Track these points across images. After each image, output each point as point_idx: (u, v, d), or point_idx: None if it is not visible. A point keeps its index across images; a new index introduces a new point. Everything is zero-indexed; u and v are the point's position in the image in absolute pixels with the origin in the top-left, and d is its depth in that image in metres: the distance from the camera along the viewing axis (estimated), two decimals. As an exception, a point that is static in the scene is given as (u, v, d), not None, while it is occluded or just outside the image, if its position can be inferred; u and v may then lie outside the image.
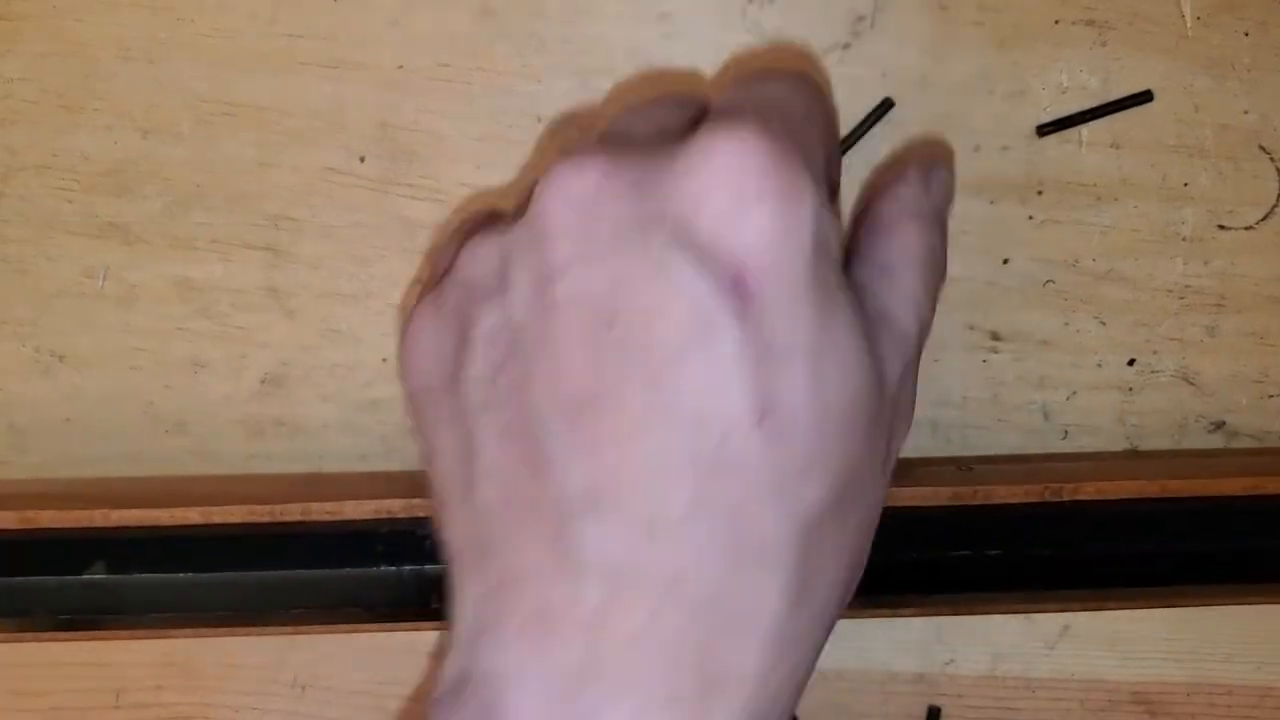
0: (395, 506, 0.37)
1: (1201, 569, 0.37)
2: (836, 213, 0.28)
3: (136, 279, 0.42)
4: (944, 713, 0.42)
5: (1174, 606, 0.39)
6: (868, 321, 0.28)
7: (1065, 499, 0.37)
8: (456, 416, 0.28)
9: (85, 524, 0.37)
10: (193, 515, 0.37)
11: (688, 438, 0.24)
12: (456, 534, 0.28)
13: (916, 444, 0.41)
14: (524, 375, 0.26)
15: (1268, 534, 0.37)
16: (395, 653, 0.42)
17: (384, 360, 0.42)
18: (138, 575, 0.37)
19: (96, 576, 0.37)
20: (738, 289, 0.25)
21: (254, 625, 0.38)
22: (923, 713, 0.42)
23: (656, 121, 0.31)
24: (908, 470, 0.36)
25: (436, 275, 0.31)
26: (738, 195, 0.25)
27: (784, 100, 0.29)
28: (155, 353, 0.42)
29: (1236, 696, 0.41)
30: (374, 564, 0.37)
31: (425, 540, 0.36)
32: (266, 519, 0.37)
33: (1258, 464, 0.40)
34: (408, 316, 0.31)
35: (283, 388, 0.42)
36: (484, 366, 0.27)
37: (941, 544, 0.37)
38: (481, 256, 0.28)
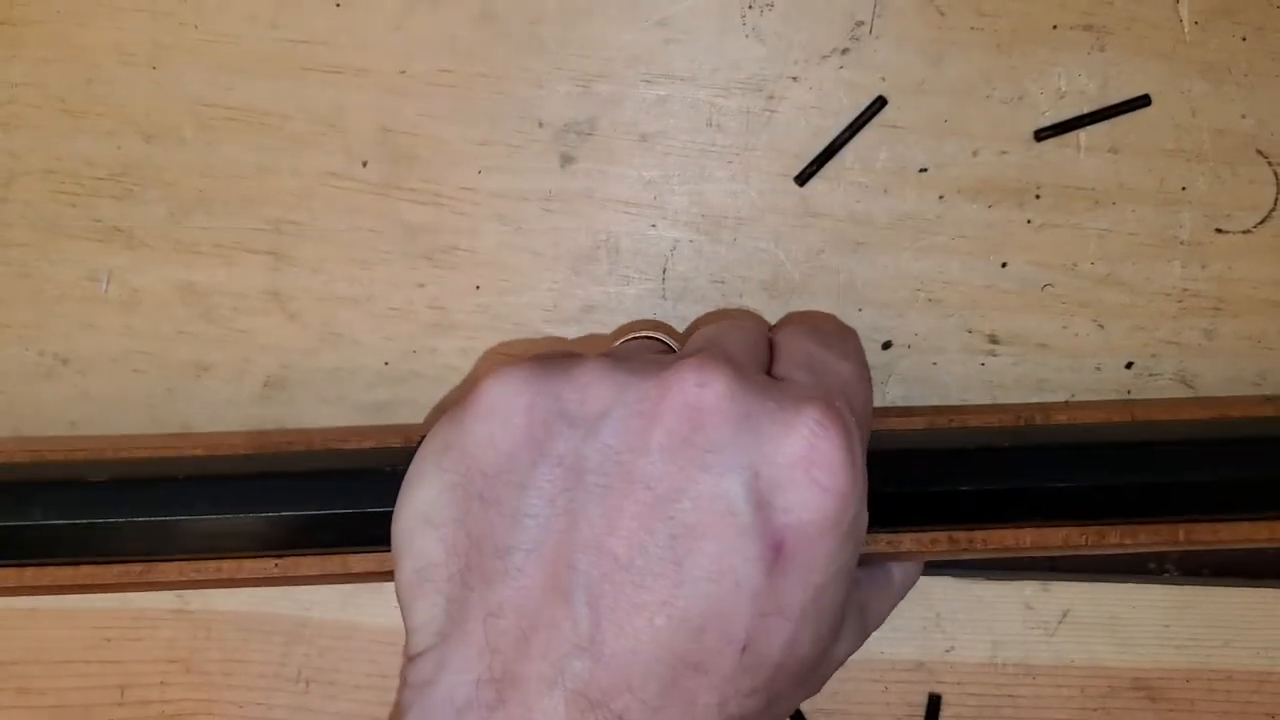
0: (394, 439, 0.37)
1: (1178, 498, 0.37)
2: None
3: (139, 283, 0.42)
4: (944, 700, 0.42)
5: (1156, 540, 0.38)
6: (850, 600, 0.33)
7: (1038, 423, 0.37)
8: (501, 501, 0.31)
9: (94, 457, 0.38)
10: (197, 450, 0.38)
11: (684, 639, 0.29)
12: (457, 589, 0.31)
13: (915, 446, 0.42)
14: (578, 512, 0.30)
15: (1232, 463, 0.37)
16: (398, 646, 0.42)
17: (385, 363, 0.42)
18: (139, 482, 0.37)
19: (100, 479, 0.36)
20: (775, 550, 0.29)
21: (252, 551, 0.37)
22: (923, 700, 0.42)
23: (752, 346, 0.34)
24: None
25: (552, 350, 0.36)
26: (811, 479, 0.29)
27: (855, 386, 0.33)
28: (158, 356, 0.42)
29: (1236, 682, 0.41)
30: (374, 465, 0.36)
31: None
32: (270, 449, 0.38)
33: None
34: (500, 373, 0.32)
35: (285, 390, 0.42)
36: (548, 482, 0.30)
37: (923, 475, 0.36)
38: (594, 389, 0.31)
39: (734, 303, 0.41)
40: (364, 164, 0.41)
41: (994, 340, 0.41)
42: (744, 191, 0.41)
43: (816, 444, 0.30)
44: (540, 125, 0.41)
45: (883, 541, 0.35)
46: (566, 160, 0.41)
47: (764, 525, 0.29)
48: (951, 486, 0.36)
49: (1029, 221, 0.41)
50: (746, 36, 0.41)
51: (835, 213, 0.41)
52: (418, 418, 0.42)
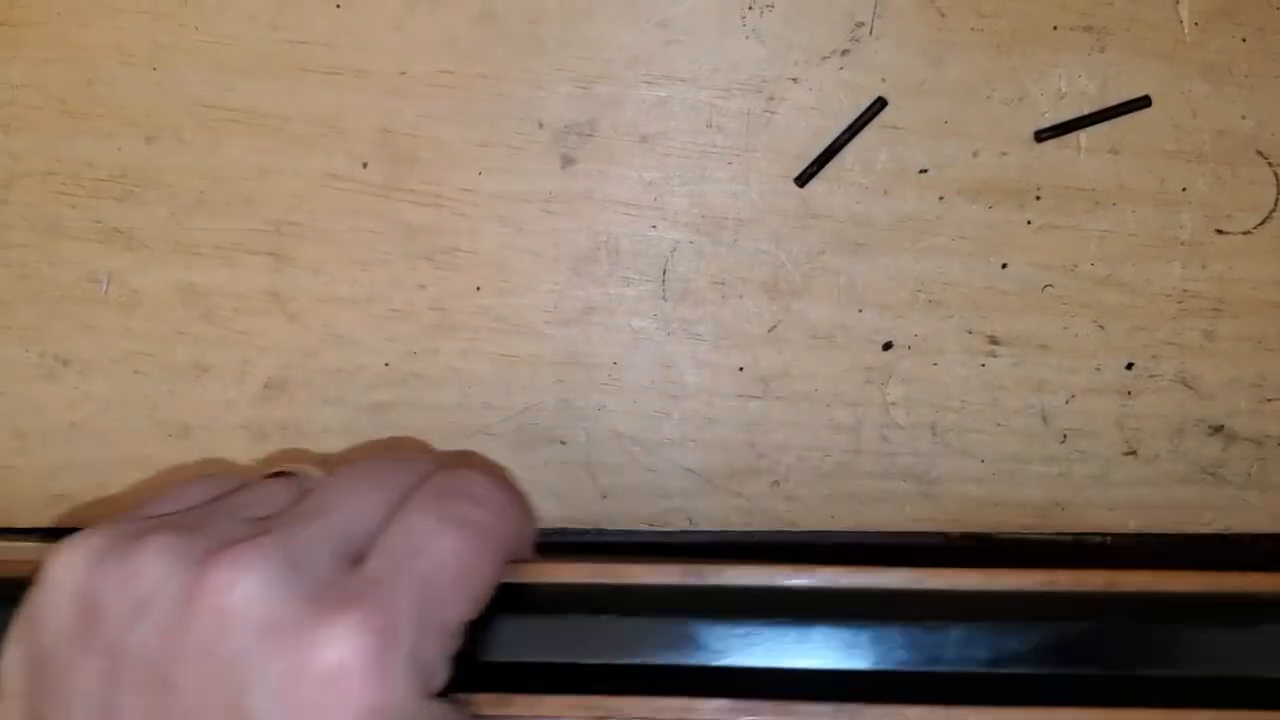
0: None
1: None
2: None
3: (140, 284, 0.42)
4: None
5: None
6: None
7: (707, 582, 0.31)
8: (56, 684, 0.29)
9: None
10: None
11: None
12: None
13: (915, 448, 0.42)
14: (114, 708, 0.28)
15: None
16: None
17: (386, 365, 0.42)
18: None
19: None
20: None
21: None
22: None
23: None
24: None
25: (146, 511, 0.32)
26: (337, 694, 0.27)
27: (448, 568, 0.30)
28: (158, 357, 0.42)
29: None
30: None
31: None
32: None
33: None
34: (65, 544, 0.30)
35: (285, 392, 0.42)
36: (92, 671, 0.28)
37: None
38: (145, 573, 0.29)
39: (734, 303, 0.41)
40: (364, 165, 0.41)
41: (994, 341, 0.41)
42: (744, 192, 0.41)
43: (347, 657, 0.27)
44: (540, 126, 0.41)
45: (519, 704, 0.32)
46: (567, 161, 0.41)
47: None
48: (590, 659, 0.32)
49: (1029, 222, 0.41)
50: (746, 38, 0.41)
51: (835, 214, 0.41)
52: (419, 419, 0.42)
